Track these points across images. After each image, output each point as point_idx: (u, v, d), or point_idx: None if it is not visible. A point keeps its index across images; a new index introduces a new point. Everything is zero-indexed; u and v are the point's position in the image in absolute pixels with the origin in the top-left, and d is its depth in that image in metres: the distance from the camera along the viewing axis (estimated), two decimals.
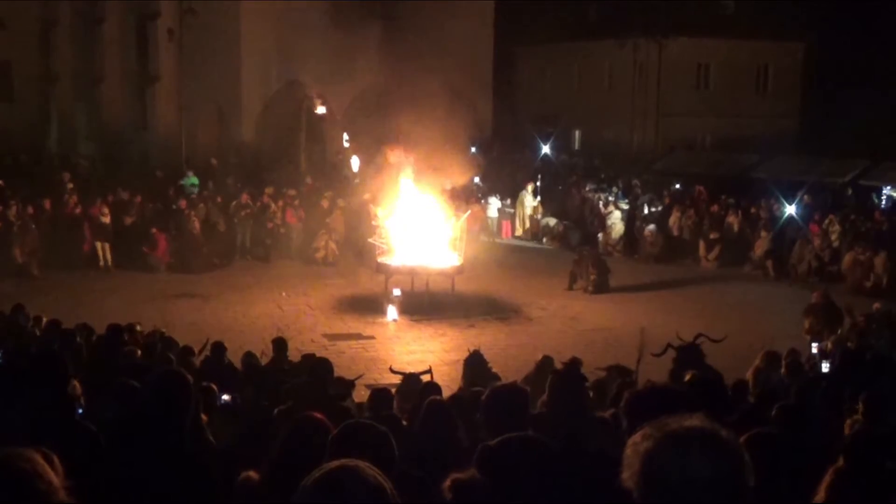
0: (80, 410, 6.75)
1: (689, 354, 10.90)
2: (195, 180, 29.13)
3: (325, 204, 26.49)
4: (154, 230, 23.71)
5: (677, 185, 31.18)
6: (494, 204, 30.35)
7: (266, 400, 8.86)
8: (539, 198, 30.35)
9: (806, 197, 26.46)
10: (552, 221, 29.72)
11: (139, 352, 11.22)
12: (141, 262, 23.41)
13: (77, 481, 2.82)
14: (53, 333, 11.64)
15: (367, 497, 2.37)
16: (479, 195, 30.24)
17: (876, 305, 16.29)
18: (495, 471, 3.34)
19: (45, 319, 12.89)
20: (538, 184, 31.31)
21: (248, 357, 12.08)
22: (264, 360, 12.41)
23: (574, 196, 30.76)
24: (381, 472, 2.45)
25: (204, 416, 7.01)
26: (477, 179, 31.35)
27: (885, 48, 40.93)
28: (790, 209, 25.31)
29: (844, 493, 4.97)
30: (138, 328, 12.46)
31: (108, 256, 23.54)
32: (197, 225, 24.04)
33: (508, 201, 30.59)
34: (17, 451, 2.66)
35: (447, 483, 3.52)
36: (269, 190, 26.55)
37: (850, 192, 29.80)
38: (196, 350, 12.21)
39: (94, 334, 12.22)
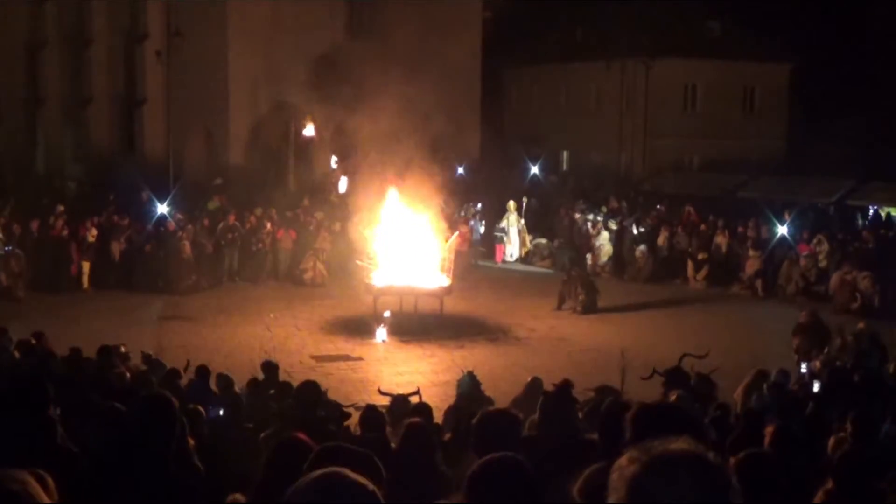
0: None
1: (676, 377, 10.91)
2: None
3: (312, 227, 26.44)
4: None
5: (658, 206, 31.24)
6: (478, 227, 29.90)
7: (251, 423, 8.77)
8: (523, 220, 30.02)
9: (787, 216, 26.51)
10: (543, 241, 29.65)
11: (127, 374, 11.14)
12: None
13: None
14: (34, 356, 11.54)
15: (358, 499, 2.36)
16: (475, 216, 30.09)
17: (860, 325, 16.31)
18: (479, 493, 3.31)
19: (33, 342, 12.79)
20: (523, 202, 31.01)
21: (222, 380, 11.97)
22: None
23: (563, 217, 30.77)
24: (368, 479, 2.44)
25: (191, 440, 6.93)
26: (480, 206, 31.26)
27: (869, 70, 41.28)
28: (782, 229, 25.37)
29: None
30: (123, 349, 12.36)
31: (86, 278, 23.47)
32: (187, 247, 23.92)
33: (501, 224, 29.99)
34: (8, 472, 2.63)
35: None
36: (257, 212, 26.46)
37: (831, 210, 29.96)
38: (182, 372, 12.12)
39: (80, 356, 12.10)
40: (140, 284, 23.43)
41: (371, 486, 2.42)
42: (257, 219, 26.32)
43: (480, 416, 4.69)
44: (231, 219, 25.99)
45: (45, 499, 2.64)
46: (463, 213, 29.02)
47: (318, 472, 2.43)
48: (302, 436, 4.26)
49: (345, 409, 10.70)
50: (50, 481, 2.93)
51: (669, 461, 2.16)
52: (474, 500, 3.33)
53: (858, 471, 5.18)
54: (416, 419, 6.82)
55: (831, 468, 5.31)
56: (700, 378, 11.46)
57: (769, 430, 6.62)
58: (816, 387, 12.14)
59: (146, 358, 13.06)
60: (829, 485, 5.20)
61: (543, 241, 29.62)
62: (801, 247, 24.91)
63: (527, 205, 30.84)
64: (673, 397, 9.18)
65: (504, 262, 29.42)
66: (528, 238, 29.82)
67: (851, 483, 5.11)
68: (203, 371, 11.88)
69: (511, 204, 29.72)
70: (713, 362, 12.62)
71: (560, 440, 5.49)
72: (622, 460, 2.21)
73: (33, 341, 12.78)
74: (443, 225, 22.55)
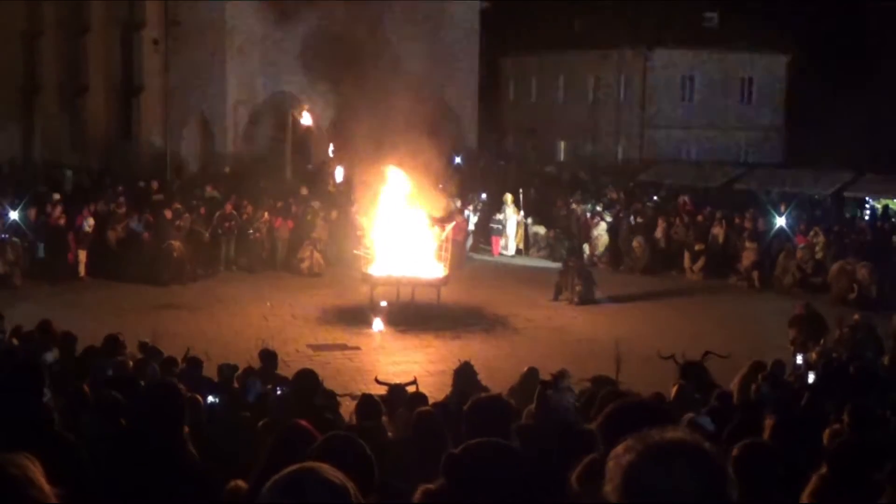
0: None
1: (691, 371, 10.98)
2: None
3: (309, 216, 26.39)
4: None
5: (655, 197, 31.21)
6: (472, 218, 29.47)
7: (248, 412, 8.78)
8: (522, 212, 29.79)
9: (783, 207, 26.54)
10: (541, 230, 29.51)
11: (130, 363, 11.12)
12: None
13: (65, 491, 2.78)
14: (32, 343, 11.52)
15: (329, 497, 2.36)
16: (474, 207, 29.90)
17: (856, 317, 16.34)
18: (460, 477, 3.32)
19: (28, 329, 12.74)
20: (520, 194, 30.79)
21: (225, 369, 11.94)
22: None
23: (560, 208, 30.72)
24: (343, 474, 2.44)
25: (186, 428, 6.94)
26: (484, 196, 31.12)
27: (867, 62, 41.23)
28: (780, 221, 25.39)
29: (828, 499, 4.95)
30: (119, 338, 12.32)
31: (83, 266, 23.44)
32: (178, 246, 23.72)
33: (498, 216, 29.40)
34: (7, 456, 2.63)
35: (417, 495, 3.50)
36: (248, 208, 26.25)
37: (828, 202, 29.98)
38: (179, 361, 12.10)
39: (75, 344, 12.07)
40: (137, 273, 23.36)
41: (343, 482, 2.41)
42: (254, 208, 26.25)
43: (472, 403, 4.70)
44: (228, 208, 25.94)
45: (45, 483, 2.65)
46: (459, 203, 28.83)
47: (290, 469, 2.44)
48: (304, 423, 4.27)
49: (338, 397, 10.74)
50: (37, 464, 2.93)
51: (666, 450, 2.17)
52: (452, 482, 3.34)
53: (854, 460, 5.19)
54: (427, 408, 6.84)
55: (828, 457, 5.31)
56: (692, 367, 11.51)
57: (769, 422, 6.64)
58: (812, 378, 12.17)
59: (143, 346, 13.00)
60: (824, 469, 5.20)
61: (542, 230, 29.46)
62: (798, 238, 24.93)
63: (524, 196, 30.64)
64: (674, 389, 9.25)
65: (501, 254, 29.09)
66: (523, 232, 29.45)
67: (846, 471, 5.12)
68: (194, 362, 11.85)
69: (508, 197, 29.50)
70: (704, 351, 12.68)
71: (557, 430, 5.51)
72: (619, 449, 2.22)
73: (25, 329, 12.76)
74: (440, 211, 22.50)
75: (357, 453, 3.47)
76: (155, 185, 29.54)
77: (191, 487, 4.36)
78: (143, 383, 8.94)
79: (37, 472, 2.66)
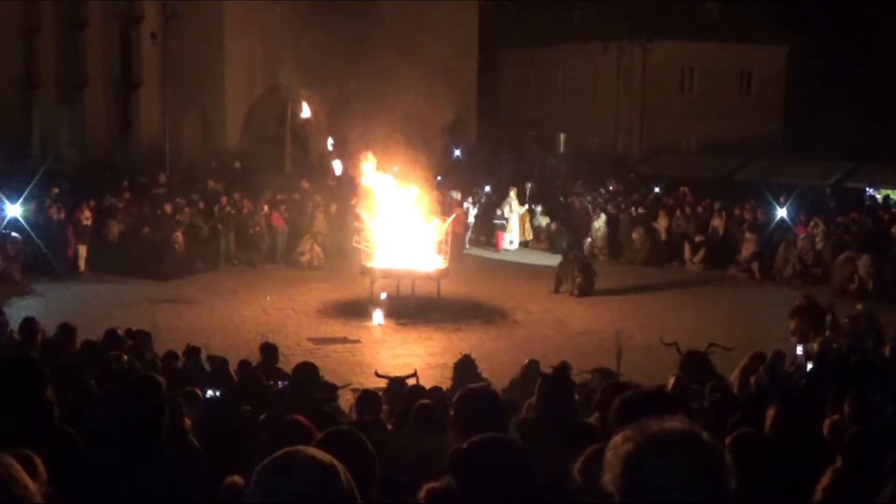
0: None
1: (693, 361, 10.98)
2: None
3: (309, 209, 26.39)
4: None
5: (657, 189, 31.19)
6: (471, 211, 29.02)
7: (248, 405, 8.77)
8: (526, 206, 29.67)
9: (782, 199, 26.53)
10: (544, 221, 29.46)
11: (125, 357, 11.11)
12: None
13: (57, 486, 2.77)
14: (32, 337, 11.51)
15: (318, 474, 2.36)
16: (476, 199, 29.82)
17: (858, 307, 16.33)
18: (466, 474, 3.31)
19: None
20: (527, 188, 30.74)
21: (216, 361, 11.94)
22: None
23: (560, 199, 30.69)
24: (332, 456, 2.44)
25: (188, 421, 6.94)
26: (488, 188, 31.06)
27: (867, 52, 41.20)
28: (781, 212, 25.37)
29: (843, 493, 4.94)
30: (119, 332, 12.31)
31: (83, 261, 23.44)
32: (180, 239, 23.71)
33: (499, 212, 29.14)
34: None
35: (422, 494, 3.50)
36: (247, 204, 26.22)
37: (828, 192, 29.96)
38: (179, 354, 12.09)
39: (74, 337, 12.04)
40: (137, 268, 23.36)
41: (331, 461, 2.42)
42: (253, 203, 26.24)
43: (459, 395, 4.69)
44: (224, 201, 25.99)
45: (29, 481, 2.63)
46: (458, 196, 28.79)
47: (277, 453, 2.45)
48: (301, 418, 4.27)
49: (337, 387, 10.75)
50: (38, 462, 2.91)
51: (664, 440, 2.17)
52: (459, 479, 3.33)
53: (869, 451, 5.16)
54: (427, 401, 6.83)
55: (841, 448, 5.28)
56: (695, 357, 11.51)
57: (770, 412, 6.61)
58: (810, 368, 12.18)
59: (129, 332, 12.93)
60: (838, 464, 5.18)
61: (545, 221, 29.38)
62: (798, 229, 24.91)
63: (530, 190, 30.62)
64: (671, 380, 9.24)
65: (505, 249, 28.74)
66: (528, 225, 29.41)
67: (863, 463, 5.09)
68: (193, 351, 11.83)
69: (512, 191, 29.44)
70: (708, 343, 12.68)
71: (559, 422, 5.50)
72: (617, 439, 2.23)
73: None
74: (438, 204, 22.46)
75: (358, 448, 3.46)
76: (162, 178, 29.61)
77: (180, 483, 4.35)
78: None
79: (20, 469, 2.64)
